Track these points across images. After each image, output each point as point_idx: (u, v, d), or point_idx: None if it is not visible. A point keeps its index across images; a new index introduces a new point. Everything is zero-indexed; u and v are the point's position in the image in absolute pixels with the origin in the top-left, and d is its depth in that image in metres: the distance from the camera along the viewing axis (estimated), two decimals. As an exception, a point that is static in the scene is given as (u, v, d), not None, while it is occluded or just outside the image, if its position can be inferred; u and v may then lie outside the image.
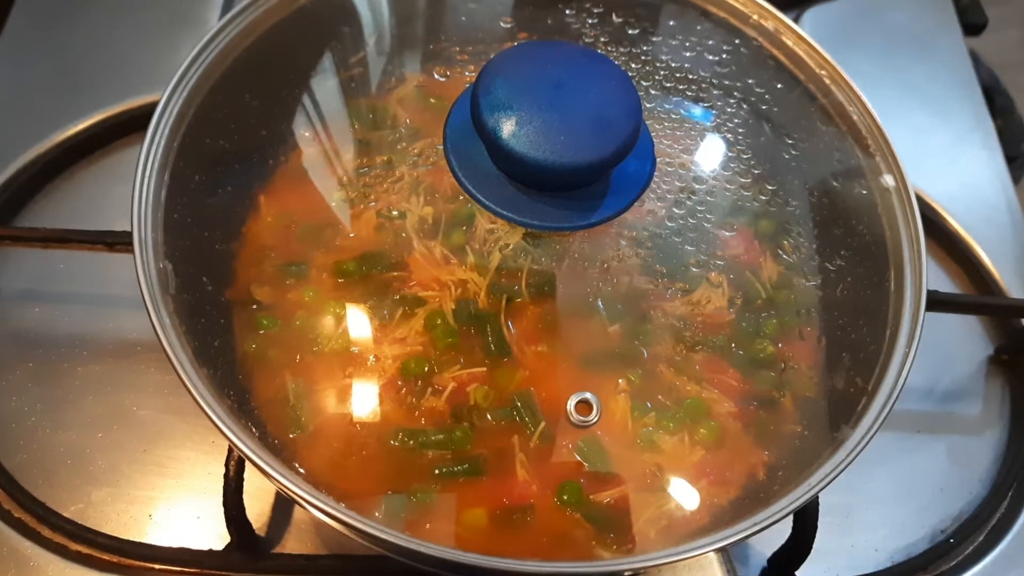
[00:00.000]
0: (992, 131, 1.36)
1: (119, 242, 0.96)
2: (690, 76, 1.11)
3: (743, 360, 0.99)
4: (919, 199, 1.24)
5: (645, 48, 1.13)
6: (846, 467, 0.80)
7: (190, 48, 0.97)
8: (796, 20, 1.44)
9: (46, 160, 1.16)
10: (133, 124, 1.21)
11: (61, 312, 1.08)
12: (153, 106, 1.22)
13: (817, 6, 1.45)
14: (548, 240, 1.00)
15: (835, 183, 1.05)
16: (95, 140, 1.20)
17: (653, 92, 1.17)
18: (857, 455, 0.80)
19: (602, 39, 1.15)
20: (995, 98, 1.42)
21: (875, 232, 1.00)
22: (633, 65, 1.16)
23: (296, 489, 0.75)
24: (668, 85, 1.15)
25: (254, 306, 0.97)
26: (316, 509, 0.76)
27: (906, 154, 1.01)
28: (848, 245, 1.04)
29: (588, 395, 0.92)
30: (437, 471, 0.87)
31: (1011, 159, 1.36)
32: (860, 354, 0.96)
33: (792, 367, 0.99)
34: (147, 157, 0.90)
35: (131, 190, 0.90)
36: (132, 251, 0.94)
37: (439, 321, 0.97)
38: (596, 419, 0.91)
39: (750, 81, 1.11)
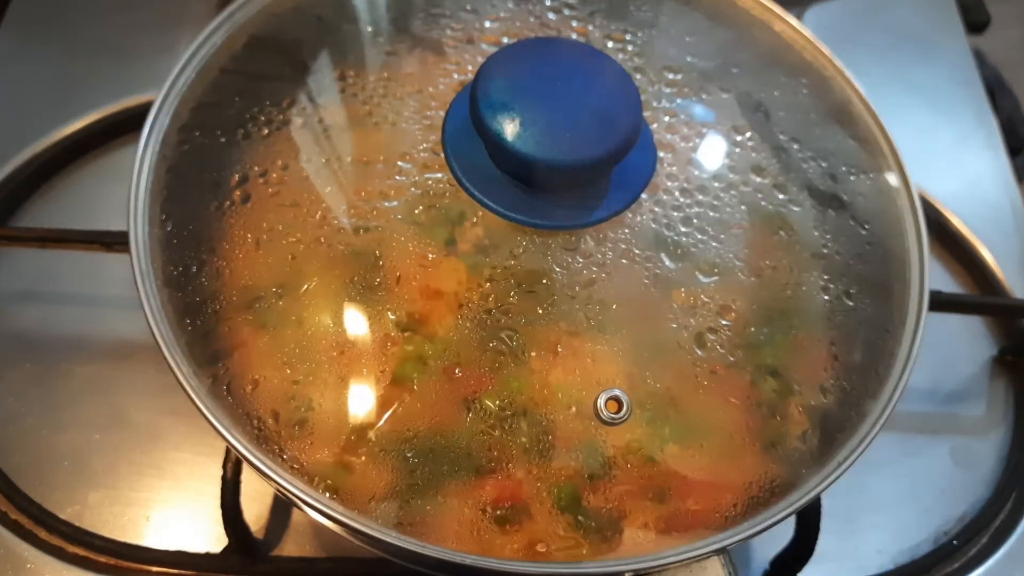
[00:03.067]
0: (996, 130, 1.36)
1: (116, 242, 0.96)
2: (692, 73, 1.11)
3: (745, 362, 0.98)
4: (922, 199, 1.24)
5: (645, 44, 1.13)
6: (848, 467, 0.79)
7: (187, 47, 0.97)
8: (799, 18, 1.43)
9: (43, 159, 1.16)
10: (130, 123, 1.20)
11: (58, 313, 1.08)
12: (150, 105, 1.22)
13: (819, 4, 1.45)
14: (549, 243, 0.99)
15: (838, 182, 1.04)
16: (92, 139, 1.19)
17: (651, 90, 1.17)
18: (859, 456, 0.80)
19: (599, 35, 1.15)
20: (998, 97, 1.42)
21: (877, 232, 0.99)
22: (634, 62, 1.16)
23: (294, 491, 0.75)
24: (669, 82, 1.14)
25: (252, 307, 0.97)
26: (314, 511, 0.76)
27: (909, 153, 1.00)
28: (850, 245, 1.03)
29: (618, 392, 0.92)
30: (437, 473, 0.87)
31: (1015, 151, 1.35)
32: (862, 355, 0.95)
33: (793, 367, 0.99)
34: (143, 156, 0.90)
35: (128, 189, 0.90)
36: (128, 251, 0.94)
37: (441, 324, 0.97)
38: (626, 416, 0.90)
39: (752, 80, 1.10)
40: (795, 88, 1.06)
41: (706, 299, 0.99)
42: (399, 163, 1.07)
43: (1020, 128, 1.40)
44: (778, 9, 1.07)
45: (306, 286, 0.99)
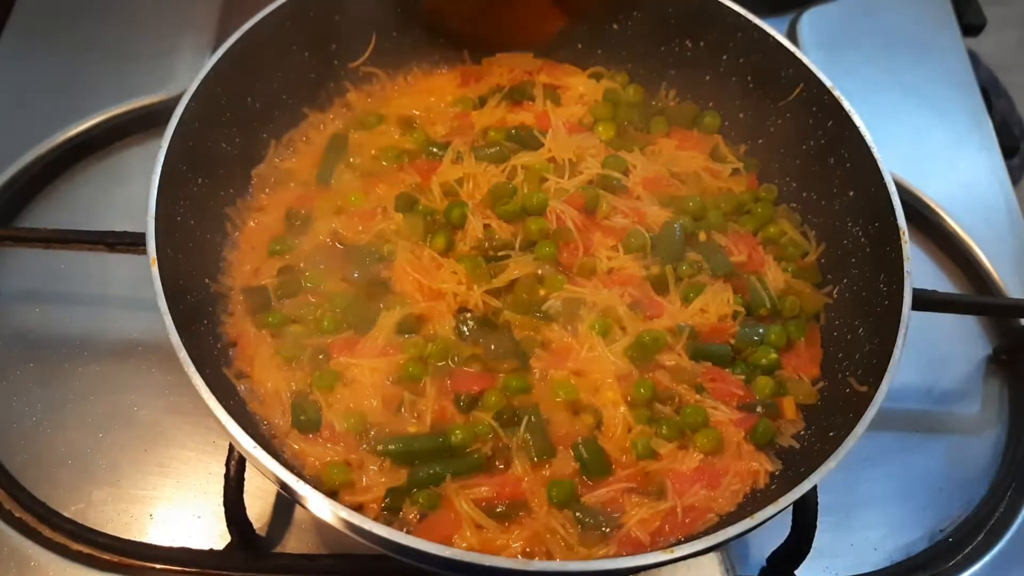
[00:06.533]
0: (991, 131, 1.36)
1: (120, 242, 0.97)
2: (704, 79, 1.13)
3: (739, 363, 0.99)
4: (918, 200, 1.25)
5: (657, 49, 1.15)
6: (838, 463, 0.80)
7: (190, 50, 0.97)
8: (795, 21, 1.44)
9: (46, 161, 1.17)
10: (133, 125, 1.22)
11: (62, 312, 1.08)
12: (152, 108, 1.23)
13: (816, 7, 1.46)
14: (550, 249, 1.00)
15: (825, 189, 1.06)
16: (95, 141, 1.20)
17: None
18: (848, 451, 0.80)
19: (612, 42, 1.16)
20: (993, 98, 1.42)
21: (863, 233, 1.01)
22: (641, 72, 1.18)
23: (298, 488, 0.75)
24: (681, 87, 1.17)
25: (260, 310, 0.98)
26: (318, 508, 0.77)
27: (905, 155, 1.01)
28: (834, 250, 1.05)
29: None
30: (437, 471, 0.88)
31: (1009, 153, 1.36)
32: (850, 351, 0.97)
33: (787, 367, 1.00)
34: (164, 161, 0.90)
35: (134, 192, 0.90)
36: (135, 252, 0.94)
37: (441, 325, 0.98)
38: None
39: (751, 86, 1.12)
40: (789, 96, 1.07)
41: (706, 307, 1.00)
42: (408, 167, 1.08)
43: (1015, 129, 1.41)
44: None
45: (314, 292, 0.99)
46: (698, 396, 0.95)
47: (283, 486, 0.76)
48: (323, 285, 0.99)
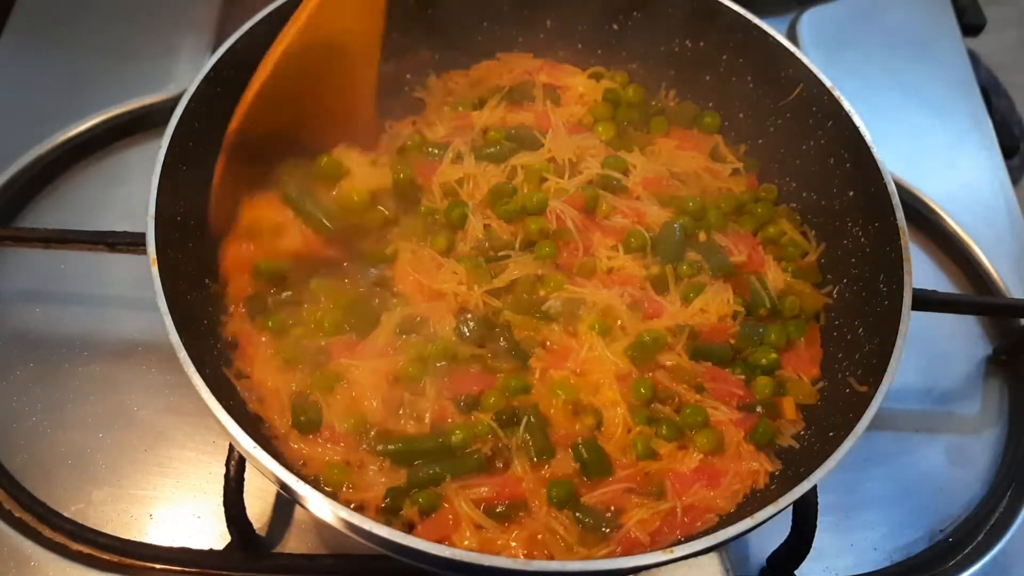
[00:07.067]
0: (991, 131, 1.37)
1: (120, 243, 0.97)
2: (704, 79, 1.13)
3: (739, 363, 0.99)
4: (918, 200, 1.25)
5: (657, 49, 1.14)
6: (838, 463, 0.80)
7: (189, 50, 0.96)
8: (795, 21, 1.44)
9: (47, 161, 1.17)
10: (133, 126, 1.22)
11: (62, 312, 1.08)
12: (152, 108, 1.23)
13: (816, 7, 1.46)
14: (550, 249, 1.00)
15: (825, 189, 1.06)
16: (95, 141, 1.20)
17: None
18: (848, 451, 0.80)
19: (612, 42, 1.17)
20: (993, 98, 1.43)
21: (863, 233, 1.01)
22: (641, 72, 1.18)
23: (298, 488, 0.75)
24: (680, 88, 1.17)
25: (260, 310, 0.98)
26: (318, 508, 0.77)
27: (905, 155, 1.00)
28: (834, 250, 1.05)
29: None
30: (437, 471, 0.88)
31: (1009, 153, 1.36)
32: (850, 351, 0.97)
33: (787, 367, 1.00)
34: (164, 161, 0.90)
35: (134, 192, 0.90)
36: (135, 252, 0.94)
37: (443, 328, 0.97)
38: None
39: (751, 86, 1.12)
40: (789, 97, 1.07)
41: (706, 307, 1.00)
42: (407, 167, 1.08)
43: (1015, 129, 1.41)
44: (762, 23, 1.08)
45: (314, 293, 0.99)
46: (698, 396, 0.95)
47: (283, 486, 0.76)
48: (331, 284, 0.99)
